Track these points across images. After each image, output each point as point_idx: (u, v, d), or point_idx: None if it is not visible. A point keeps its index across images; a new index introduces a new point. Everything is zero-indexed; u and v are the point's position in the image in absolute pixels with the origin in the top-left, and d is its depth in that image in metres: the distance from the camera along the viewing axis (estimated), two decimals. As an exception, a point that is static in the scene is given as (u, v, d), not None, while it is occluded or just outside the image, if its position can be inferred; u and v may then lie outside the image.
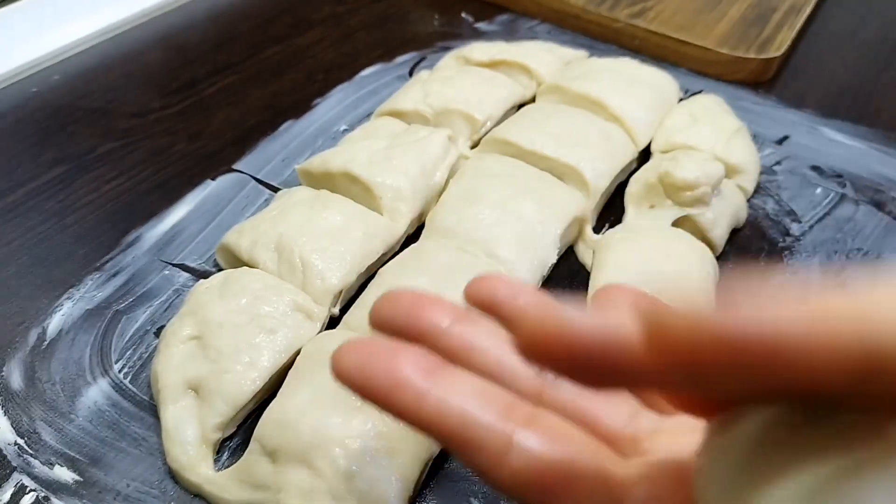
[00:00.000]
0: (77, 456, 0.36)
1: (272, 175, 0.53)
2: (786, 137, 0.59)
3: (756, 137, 0.58)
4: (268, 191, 0.52)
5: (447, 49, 0.65)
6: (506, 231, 0.43)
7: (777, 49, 0.65)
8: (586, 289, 0.46)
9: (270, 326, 0.39)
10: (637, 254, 0.43)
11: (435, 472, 0.37)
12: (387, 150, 0.47)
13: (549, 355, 0.17)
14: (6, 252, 0.47)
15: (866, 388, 0.14)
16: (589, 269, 0.46)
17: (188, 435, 0.36)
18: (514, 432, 0.21)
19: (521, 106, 0.57)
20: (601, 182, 0.49)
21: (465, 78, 0.56)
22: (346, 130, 0.57)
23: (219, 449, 0.37)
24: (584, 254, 0.48)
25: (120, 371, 0.40)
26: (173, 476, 0.36)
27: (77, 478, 0.36)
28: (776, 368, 0.14)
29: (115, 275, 0.46)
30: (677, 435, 0.22)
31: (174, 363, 0.38)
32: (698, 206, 0.46)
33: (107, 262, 0.46)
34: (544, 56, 0.60)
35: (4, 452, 0.36)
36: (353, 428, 0.33)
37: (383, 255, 0.45)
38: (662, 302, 0.16)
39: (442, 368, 0.22)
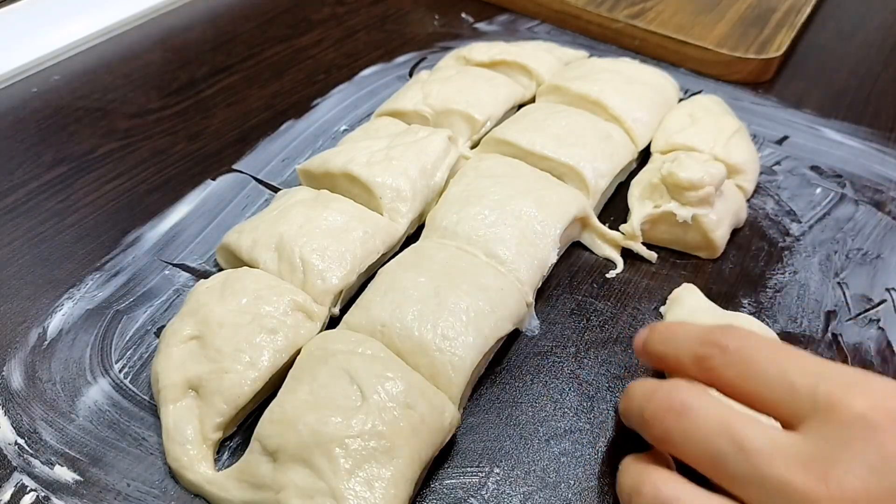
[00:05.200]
0: (77, 456, 0.36)
1: (272, 175, 0.53)
2: (785, 137, 0.59)
3: (756, 137, 0.58)
4: (268, 191, 0.52)
5: (447, 49, 0.65)
6: (506, 231, 0.44)
7: (776, 49, 0.65)
8: (586, 289, 0.46)
9: (271, 326, 0.39)
10: None
11: (435, 472, 0.37)
12: (387, 151, 0.47)
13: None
14: (7, 252, 0.47)
15: None
16: (604, 260, 0.47)
17: (188, 434, 0.36)
18: None
19: (521, 106, 0.57)
20: (601, 182, 0.49)
21: (465, 78, 0.56)
22: (346, 130, 0.57)
23: (219, 449, 0.37)
24: (601, 248, 0.48)
25: (120, 371, 0.40)
26: (174, 476, 0.36)
27: (77, 477, 0.36)
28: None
29: (115, 275, 0.46)
30: None
31: (174, 363, 0.38)
32: (702, 207, 0.46)
33: (107, 262, 0.46)
34: (544, 56, 0.60)
35: (5, 452, 0.36)
36: (353, 428, 0.33)
37: (383, 255, 0.45)
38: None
39: None
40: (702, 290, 0.45)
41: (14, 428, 0.37)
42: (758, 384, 0.29)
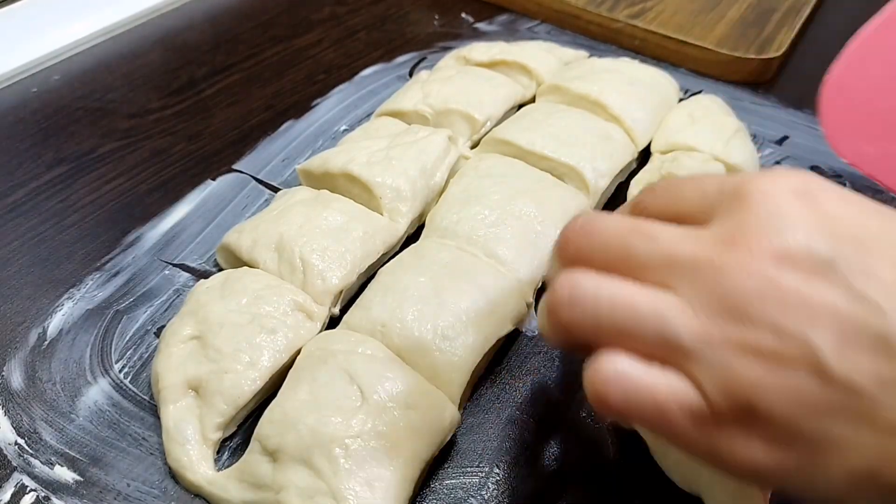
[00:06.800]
0: (77, 456, 0.36)
1: (272, 175, 0.53)
2: (785, 137, 0.59)
3: (756, 137, 0.58)
4: (268, 191, 0.52)
5: (447, 49, 0.65)
6: (506, 231, 0.44)
7: (776, 49, 0.65)
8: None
9: (271, 326, 0.39)
10: None
11: (435, 472, 0.37)
12: (387, 151, 0.47)
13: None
14: (7, 252, 0.47)
15: None
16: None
17: (189, 435, 0.36)
18: None
19: (520, 106, 0.57)
20: (601, 182, 0.49)
21: (465, 78, 0.56)
22: (346, 130, 0.57)
23: (219, 449, 0.37)
24: None
25: (120, 371, 0.40)
26: (174, 476, 0.36)
27: (77, 478, 0.36)
28: None
29: (115, 275, 0.46)
30: None
31: (175, 363, 0.38)
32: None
33: (107, 262, 0.46)
34: (544, 56, 0.60)
35: (5, 452, 0.36)
36: (353, 428, 0.33)
37: (383, 255, 0.45)
38: None
39: None
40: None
41: (14, 428, 0.37)
42: (678, 202, 0.29)
